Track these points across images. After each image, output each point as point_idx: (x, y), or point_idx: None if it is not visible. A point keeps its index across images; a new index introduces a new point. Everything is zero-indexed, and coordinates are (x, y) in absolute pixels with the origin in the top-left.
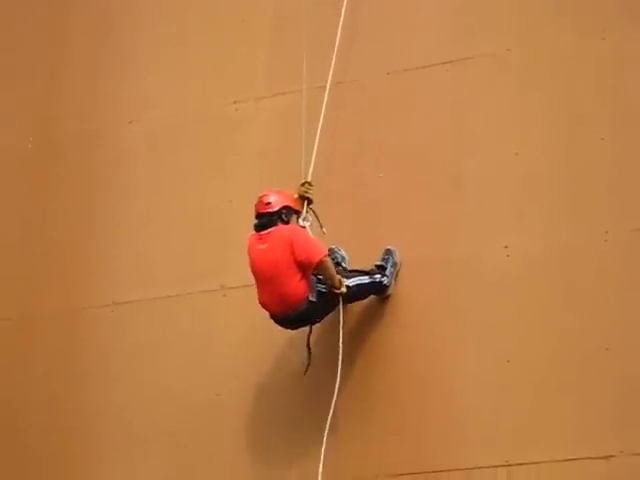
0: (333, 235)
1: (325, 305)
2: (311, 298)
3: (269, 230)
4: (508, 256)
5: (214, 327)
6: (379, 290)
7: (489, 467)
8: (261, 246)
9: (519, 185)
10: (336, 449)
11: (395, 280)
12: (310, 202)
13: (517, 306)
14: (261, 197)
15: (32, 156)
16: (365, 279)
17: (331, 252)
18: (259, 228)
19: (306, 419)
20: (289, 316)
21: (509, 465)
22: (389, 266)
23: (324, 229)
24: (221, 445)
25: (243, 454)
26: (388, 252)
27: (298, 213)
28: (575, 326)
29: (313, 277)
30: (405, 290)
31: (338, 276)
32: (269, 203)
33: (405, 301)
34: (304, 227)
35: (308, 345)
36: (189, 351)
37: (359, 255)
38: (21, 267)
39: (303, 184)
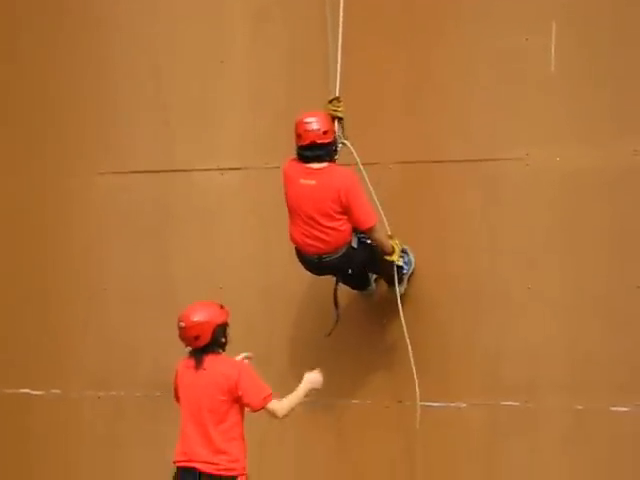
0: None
1: (362, 256)
2: (353, 244)
3: (321, 166)
4: None
5: None
6: (392, 276)
7: None
8: (307, 181)
9: None
10: None
11: (407, 282)
12: (340, 120)
13: None
14: (308, 122)
15: None
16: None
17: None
18: (309, 159)
19: None
20: (323, 260)
21: None
22: (404, 263)
23: (345, 141)
24: None
25: None
26: (404, 251)
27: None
28: None
29: None
30: None
31: (391, 241)
32: (326, 132)
33: None
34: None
35: (336, 302)
36: None
37: None
38: None
39: (331, 101)
